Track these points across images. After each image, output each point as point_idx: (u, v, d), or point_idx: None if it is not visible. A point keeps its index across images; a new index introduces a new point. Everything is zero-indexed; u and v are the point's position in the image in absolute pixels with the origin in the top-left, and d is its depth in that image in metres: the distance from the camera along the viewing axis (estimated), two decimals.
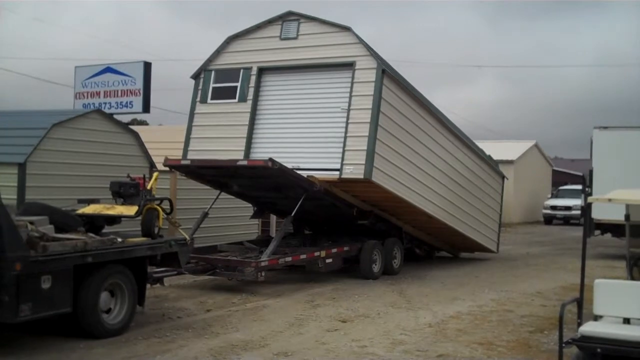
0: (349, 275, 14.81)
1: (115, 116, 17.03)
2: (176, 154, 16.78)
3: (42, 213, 9.20)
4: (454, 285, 14.20)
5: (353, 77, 13.33)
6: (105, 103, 21.67)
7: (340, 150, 13.18)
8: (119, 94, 21.90)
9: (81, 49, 72.16)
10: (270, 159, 12.45)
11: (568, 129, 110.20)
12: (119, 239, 9.24)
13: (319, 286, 13.46)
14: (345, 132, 13.19)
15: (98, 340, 8.62)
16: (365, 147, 12.92)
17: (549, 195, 39.64)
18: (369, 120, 13.01)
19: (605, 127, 20.33)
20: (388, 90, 13.42)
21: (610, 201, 7.63)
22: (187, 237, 10.58)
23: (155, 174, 10.90)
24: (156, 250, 9.71)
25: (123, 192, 10.32)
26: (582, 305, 7.57)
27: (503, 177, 19.90)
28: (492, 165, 19.14)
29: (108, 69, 22.29)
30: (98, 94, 22.26)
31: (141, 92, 21.47)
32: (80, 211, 10.20)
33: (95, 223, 10.15)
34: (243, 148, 14.12)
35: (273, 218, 20.07)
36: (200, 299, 11.69)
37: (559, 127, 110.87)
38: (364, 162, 12.88)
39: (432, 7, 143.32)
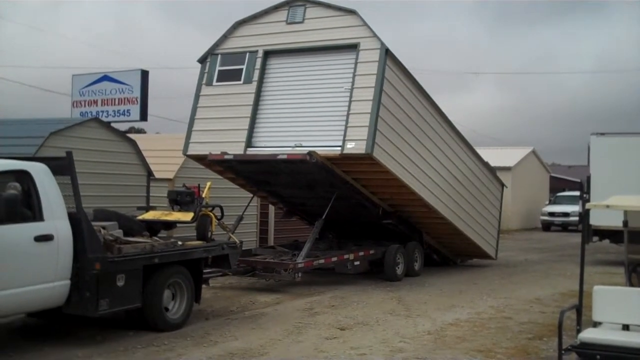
0: (348, 283, 14.83)
1: (112, 124, 17.00)
2: (174, 162, 16.84)
3: (111, 218, 10.20)
4: (453, 292, 14.19)
5: (357, 58, 13.51)
6: (102, 111, 21.58)
7: (343, 127, 13.33)
8: (117, 102, 21.83)
9: (78, 58, 72.22)
10: (309, 153, 12.98)
11: (566, 136, 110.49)
12: (180, 242, 10.29)
13: (318, 294, 13.45)
14: (348, 110, 13.33)
15: (96, 349, 8.62)
16: (367, 124, 13.07)
17: (547, 202, 39.64)
18: (371, 98, 13.16)
19: (603, 134, 20.36)
20: (391, 71, 13.62)
21: (608, 208, 7.64)
22: (237, 240, 11.44)
23: (208, 184, 11.87)
24: (211, 253, 10.66)
25: (180, 199, 11.43)
26: (581, 312, 7.58)
27: (503, 185, 19.93)
28: (492, 172, 19.21)
29: (105, 78, 22.21)
30: (95, 102, 22.19)
31: (139, 100, 21.39)
32: (141, 217, 11.27)
33: (153, 227, 11.12)
34: (247, 127, 14.27)
35: (271, 226, 20.11)
36: (198, 307, 11.65)
37: (557, 133, 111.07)
38: (365, 137, 13.00)
39: (431, 14, 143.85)
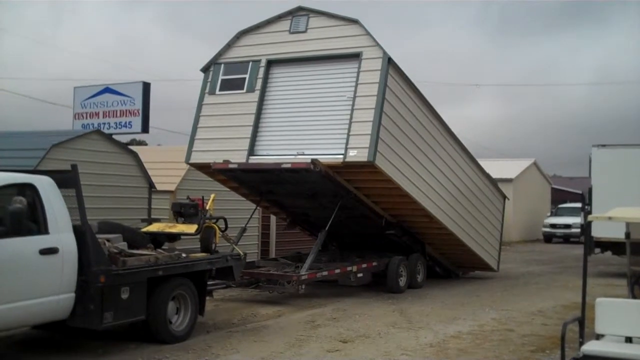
0: (350, 295, 14.79)
1: (114, 136, 17.02)
2: (176, 174, 16.83)
3: (115, 231, 10.28)
4: (455, 304, 14.16)
5: (359, 67, 13.57)
6: (104, 123, 21.63)
7: (345, 136, 13.36)
8: (118, 114, 21.87)
9: (80, 70, 72.46)
10: (313, 162, 12.98)
11: (567, 147, 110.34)
12: (184, 255, 10.30)
13: (320, 306, 13.42)
14: (350, 119, 13.37)
15: None
16: (369, 132, 13.10)
17: (549, 214, 39.59)
18: (373, 106, 13.20)
19: (604, 145, 20.36)
20: (393, 80, 13.68)
21: (610, 219, 7.62)
22: (241, 252, 11.56)
23: (212, 196, 11.93)
24: (215, 265, 10.68)
25: (184, 212, 11.49)
26: (583, 324, 7.54)
27: (505, 197, 19.92)
28: (494, 183, 19.21)
29: (107, 90, 22.26)
30: (97, 114, 22.22)
31: (140, 112, 21.43)
32: (145, 229, 11.37)
33: (157, 240, 11.19)
34: (249, 136, 14.30)
35: (273, 238, 20.08)
36: (199, 320, 11.61)
37: (558, 145, 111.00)
38: (367, 145, 13.04)
39: (432, 26, 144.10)
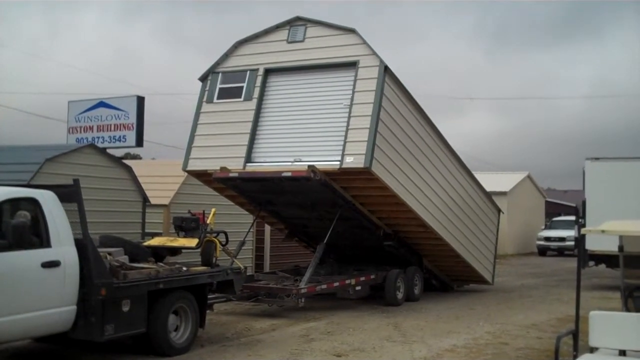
0: (344, 309, 14.77)
1: (108, 150, 17.02)
2: (170, 188, 16.82)
3: (117, 245, 10.42)
4: (449, 317, 14.13)
5: (356, 75, 13.68)
6: (98, 137, 21.64)
7: (342, 143, 13.43)
8: (112, 128, 21.89)
9: (75, 85, 72.44)
10: (312, 170, 13.07)
11: (561, 160, 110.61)
12: (184, 268, 10.39)
13: (314, 320, 13.39)
14: (347, 126, 13.44)
15: None
16: (366, 139, 13.16)
17: (543, 227, 39.63)
18: (370, 113, 13.28)
19: (597, 158, 20.41)
20: (389, 88, 13.78)
21: (603, 233, 7.63)
22: (241, 266, 11.71)
23: (213, 210, 11.99)
24: (215, 278, 10.73)
25: (185, 226, 11.61)
26: (577, 338, 7.54)
27: (499, 211, 19.95)
28: (489, 197, 19.25)
29: (101, 104, 22.29)
30: (91, 128, 22.24)
31: (134, 126, 21.46)
32: (147, 243, 11.51)
33: (159, 253, 11.27)
34: (246, 143, 14.35)
35: (267, 251, 20.05)
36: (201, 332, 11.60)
37: (552, 158, 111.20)
38: (364, 152, 13.09)
39: (428, 40, 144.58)
